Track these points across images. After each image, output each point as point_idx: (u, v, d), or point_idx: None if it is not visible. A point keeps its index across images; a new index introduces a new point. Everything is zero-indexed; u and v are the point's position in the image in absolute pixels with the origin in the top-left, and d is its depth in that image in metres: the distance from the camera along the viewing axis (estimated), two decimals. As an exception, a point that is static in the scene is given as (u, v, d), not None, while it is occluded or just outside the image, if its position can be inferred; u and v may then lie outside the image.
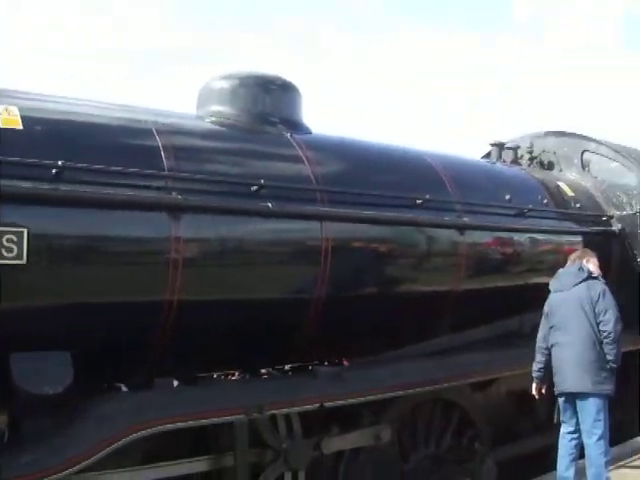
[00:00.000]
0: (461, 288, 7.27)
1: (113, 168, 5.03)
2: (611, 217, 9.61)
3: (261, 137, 6.44)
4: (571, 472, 6.62)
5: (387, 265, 6.73)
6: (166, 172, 5.33)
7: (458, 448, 7.37)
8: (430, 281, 7.14)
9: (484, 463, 7.37)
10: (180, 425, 5.19)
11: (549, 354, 6.69)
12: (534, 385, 6.94)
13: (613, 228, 9.52)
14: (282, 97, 6.76)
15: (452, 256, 7.23)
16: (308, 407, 5.86)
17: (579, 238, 8.71)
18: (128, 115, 5.69)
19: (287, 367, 6.91)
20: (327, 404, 5.91)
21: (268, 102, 6.59)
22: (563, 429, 6.72)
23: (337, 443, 6.25)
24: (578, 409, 6.52)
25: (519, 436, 8.29)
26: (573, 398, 6.55)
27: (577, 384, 6.44)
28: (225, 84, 6.57)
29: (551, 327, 6.68)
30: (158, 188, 5.24)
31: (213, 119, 6.32)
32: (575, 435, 6.62)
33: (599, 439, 6.44)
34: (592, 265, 6.91)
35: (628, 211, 9.70)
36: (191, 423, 5.26)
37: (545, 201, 8.65)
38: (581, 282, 6.59)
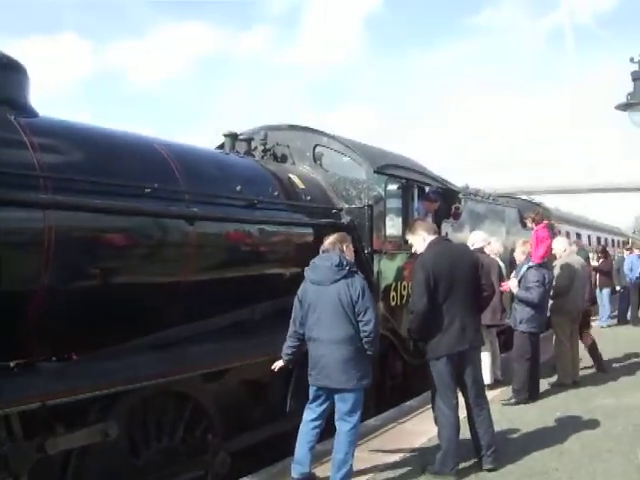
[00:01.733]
0: (191, 279, 7.24)
1: None
2: (340, 210, 9.96)
3: (-19, 119, 5.98)
4: (308, 457, 6.75)
5: (115, 255, 6.52)
6: None
7: (191, 441, 7.32)
8: (159, 272, 7.04)
9: (217, 455, 7.40)
10: None
11: (302, 339, 6.72)
12: (280, 362, 6.95)
13: (342, 220, 9.84)
14: (7, 77, 6.28)
15: (181, 247, 7.16)
16: (29, 406, 5.54)
17: (309, 230, 8.91)
18: None
19: (12, 364, 6.52)
20: (49, 402, 5.61)
21: (-9, 81, 6.12)
22: (307, 416, 6.78)
23: (63, 443, 5.97)
24: (337, 402, 6.61)
25: (254, 425, 8.38)
26: (328, 391, 6.64)
27: (337, 380, 6.49)
28: (-57, 60, 6.02)
29: (307, 320, 6.65)
30: None
31: None
32: (317, 423, 6.75)
33: (352, 428, 6.60)
34: (349, 252, 6.97)
35: (357, 204, 10.08)
36: None
37: (276, 193, 8.80)
38: (340, 279, 6.60)
